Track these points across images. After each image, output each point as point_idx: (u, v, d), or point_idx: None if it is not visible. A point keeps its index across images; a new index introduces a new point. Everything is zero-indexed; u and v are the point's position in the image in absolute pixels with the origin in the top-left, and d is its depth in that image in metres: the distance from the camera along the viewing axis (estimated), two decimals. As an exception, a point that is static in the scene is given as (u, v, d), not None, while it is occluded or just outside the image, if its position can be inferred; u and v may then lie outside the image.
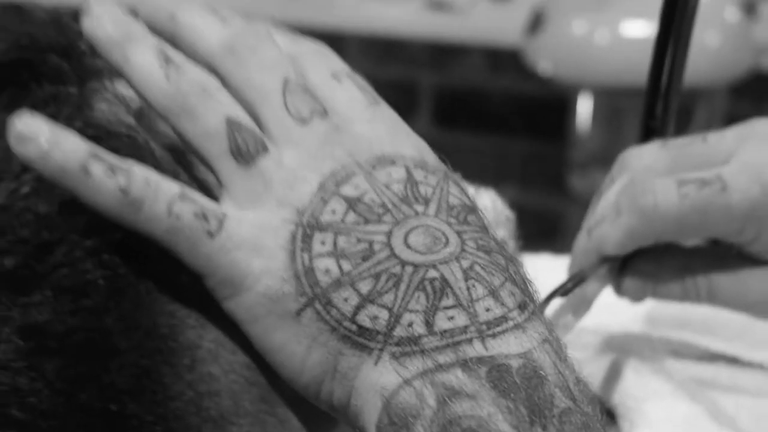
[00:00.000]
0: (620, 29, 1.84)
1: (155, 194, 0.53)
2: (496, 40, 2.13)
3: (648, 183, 0.71)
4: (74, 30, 0.59)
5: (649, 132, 0.75)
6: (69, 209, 0.54)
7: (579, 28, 1.89)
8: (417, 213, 0.54)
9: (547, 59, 1.92)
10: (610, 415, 0.74)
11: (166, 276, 0.56)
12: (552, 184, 2.26)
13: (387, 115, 0.57)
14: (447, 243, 0.53)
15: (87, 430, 0.53)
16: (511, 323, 0.51)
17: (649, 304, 0.80)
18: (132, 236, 0.55)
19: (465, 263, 0.52)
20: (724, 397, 0.75)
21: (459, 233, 0.54)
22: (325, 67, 0.58)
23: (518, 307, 0.52)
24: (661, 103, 0.75)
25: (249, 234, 0.54)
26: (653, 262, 0.75)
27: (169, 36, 0.59)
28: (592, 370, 0.75)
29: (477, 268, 0.52)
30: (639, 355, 0.77)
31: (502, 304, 0.51)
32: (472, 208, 0.56)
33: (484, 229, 0.55)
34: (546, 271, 0.67)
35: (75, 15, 0.61)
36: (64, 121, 0.56)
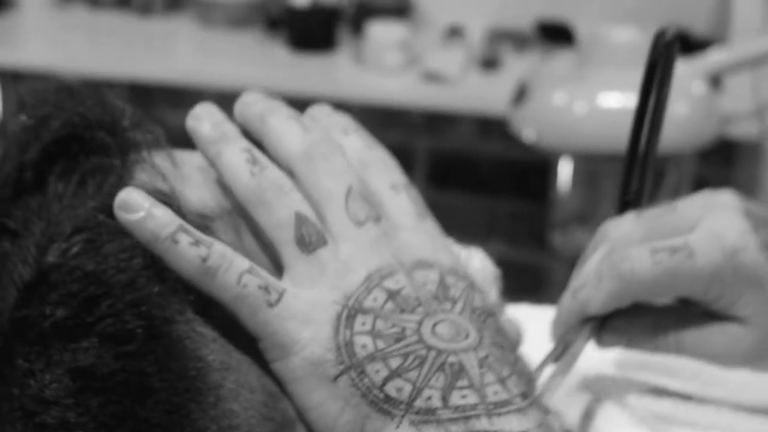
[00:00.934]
0: (597, 101, 1.86)
1: (229, 266, 0.57)
2: (484, 109, 2.16)
3: (626, 251, 0.73)
4: (117, 108, 0.64)
5: (626, 204, 0.77)
6: (113, 267, 0.58)
7: (559, 100, 1.91)
8: (445, 309, 0.58)
9: (530, 127, 1.93)
10: None
11: (197, 325, 0.60)
12: (536, 241, 2.30)
13: (430, 227, 0.62)
14: (467, 336, 0.57)
15: None
16: (514, 407, 0.55)
17: (617, 350, 0.82)
18: (167, 291, 0.59)
19: (481, 354, 0.56)
20: (680, 430, 0.78)
21: (478, 330, 0.58)
22: (386, 178, 0.63)
23: (521, 395, 0.56)
24: (636, 179, 0.77)
25: (302, 308, 0.57)
26: (629, 320, 0.77)
27: (257, 137, 0.63)
28: (569, 408, 0.78)
29: (490, 359, 0.57)
30: (607, 394, 0.79)
31: (508, 390, 0.56)
32: (491, 313, 0.60)
33: (499, 330, 0.60)
34: (525, 318, 0.73)
35: (125, 90, 0.69)
36: (109, 188, 0.59)
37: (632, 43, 2.10)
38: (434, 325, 0.57)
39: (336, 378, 0.56)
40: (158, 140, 0.65)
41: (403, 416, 0.55)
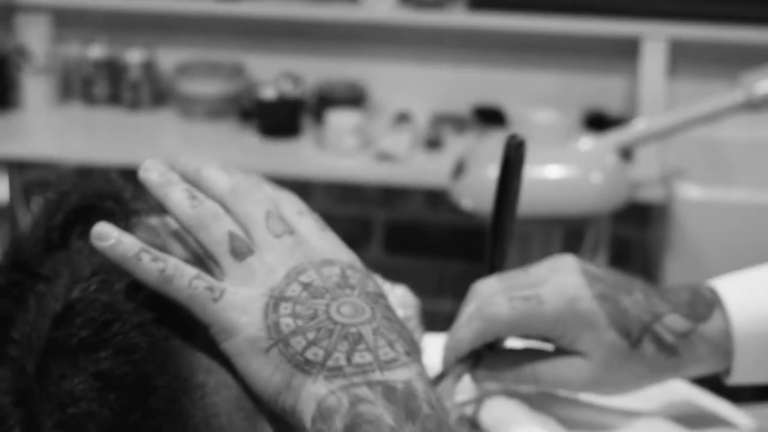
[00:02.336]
0: (525, 172, 1.89)
1: (181, 274, 0.64)
2: (431, 183, 2.21)
3: (489, 299, 0.82)
4: (121, 184, 0.71)
5: (492, 269, 0.85)
6: (121, 299, 0.65)
7: (492, 172, 1.62)
8: (346, 294, 0.65)
9: (468, 197, 1.99)
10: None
11: (187, 340, 0.65)
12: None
13: (331, 236, 0.69)
14: (364, 313, 0.64)
15: None
16: (400, 362, 0.63)
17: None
18: (164, 316, 0.65)
19: (374, 325, 0.63)
20: (561, 410, 0.86)
21: (372, 307, 0.64)
22: (293, 206, 0.70)
23: (405, 354, 0.63)
24: (498, 254, 0.86)
25: (239, 301, 0.64)
26: (494, 358, 0.85)
27: (194, 182, 0.69)
28: (493, 407, 0.85)
29: (381, 329, 0.63)
30: (514, 396, 0.87)
31: (395, 351, 0.63)
32: (381, 294, 0.67)
33: (388, 308, 0.66)
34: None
35: (120, 173, 0.72)
36: None
37: (554, 123, 2.23)
38: (338, 306, 0.64)
39: (268, 350, 0.63)
40: (152, 208, 0.71)
41: (318, 373, 0.62)
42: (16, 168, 2.41)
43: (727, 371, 0.83)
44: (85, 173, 0.72)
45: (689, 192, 2.01)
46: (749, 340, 0.81)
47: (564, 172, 1.99)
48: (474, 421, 0.85)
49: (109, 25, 2.57)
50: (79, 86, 2.57)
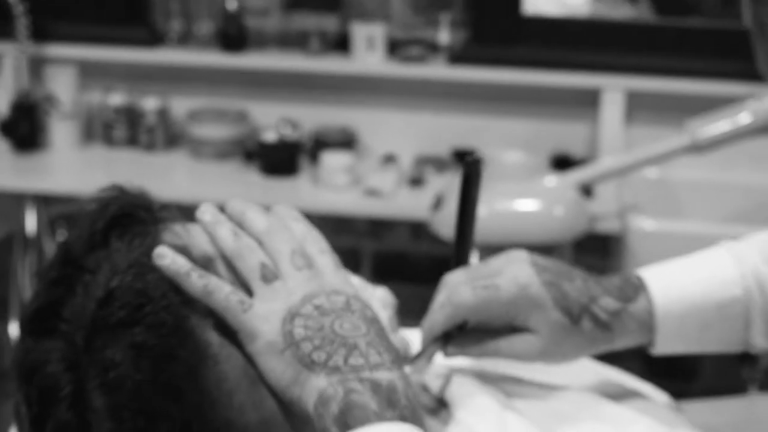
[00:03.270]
0: (494, 205, 1.98)
1: (220, 289, 0.69)
2: (414, 216, 2.19)
3: (456, 288, 0.85)
4: (149, 198, 0.75)
5: (458, 265, 0.88)
6: (153, 287, 0.69)
7: None
8: (348, 315, 0.69)
9: (446, 228, 2.00)
10: (446, 404, 0.84)
11: (203, 320, 0.70)
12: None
13: (342, 273, 0.72)
14: (360, 329, 0.68)
15: (168, 396, 0.67)
16: (385, 366, 0.67)
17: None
18: (185, 300, 0.68)
19: (368, 339, 0.68)
20: (515, 399, 0.87)
21: (367, 327, 0.69)
22: (317, 245, 0.74)
23: (390, 361, 0.67)
24: (463, 252, 0.89)
25: (263, 313, 0.68)
26: (463, 337, 0.88)
27: (238, 222, 0.74)
28: (455, 384, 0.85)
29: (373, 342, 0.68)
30: (471, 374, 0.88)
31: (382, 358, 0.67)
32: (376, 319, 0.70)
33: (381, 329, 0.69)
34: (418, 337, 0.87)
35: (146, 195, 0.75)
36: (147, 243, 0.70)
37: (522, 163, 2.28)
38: (341, 323, 0.69)
39: (282, 351, 0.68)
40: (175, 217, 0.75)
41: (321, 371, 0.67)
42: (43, 202, 2.43)
43: (651, 344, 0.87)
44: (123, 189, 0.75)
45: (643, 224, 2.02)
46: (668, 317, 0.85)
47: (530, 205, 2.03)
48: (441, 398, 0.86)
49: (128, 75, 2.56)
50: (101, 130, 2.55)
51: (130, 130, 2.53)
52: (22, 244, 2.45)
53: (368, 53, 2.41)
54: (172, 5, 2.53)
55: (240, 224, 0.74)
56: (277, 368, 0.69)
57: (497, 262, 0.87)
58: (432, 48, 2.46)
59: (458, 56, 2.41)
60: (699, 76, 2.28)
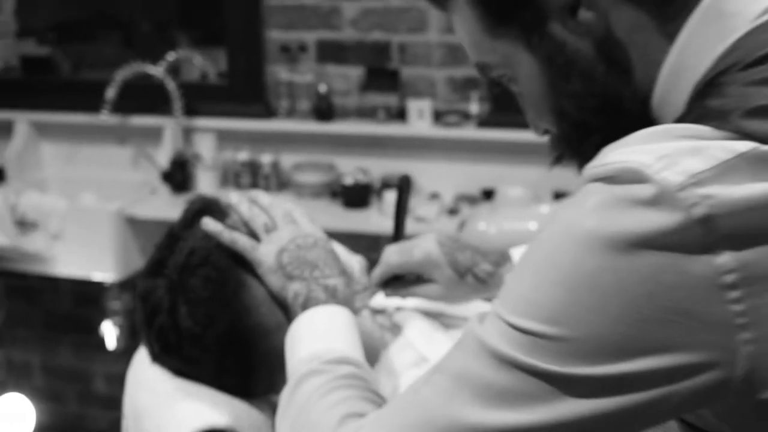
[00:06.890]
0: (502, 226, 2.25)
1: (240, 239, 0.98)
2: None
3: (388, 255, 1.12)
4: (214, 200, 1.04)
5: (394, 241, 1.12)
6: (210, 255, 0.95)
7: (482, 226, 2.28)
8: (315, 249, 0.93)
9: (468, 237, 2.22)
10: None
11: (241, 270, 0.96)
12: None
13: (315, 225, 0.94)
14: (321, 256, 0.93)
15: (223, 306, 0.94)
16: (334, 277, 0.91)
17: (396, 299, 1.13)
18: (231, 262, 0.95)
19: (325, 261, 0.93)
20: (442, 324, 1.11)
21: (326, 254, 0.93)
22: (298, 210, 1.00)
23: (337, 274, 0.91)
24: (397, 236, 1.15)
25: (265, 251, 0.95)
26: (395, 283, 1.13)
27: (253, 201, 1.01)
28: (402, 314, 1.08)
29: (329, 263, 0.91)
30: (417, 310, 1.13)
31: (332, 271, 0.91)
32: (332, 251, 0.95)
33: (335, 256, 0.93)
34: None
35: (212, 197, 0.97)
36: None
37: (521, 197, 2.59)
38: (309, 253, 0.91)
39: (276, 271, 0.95)
40: (235, 212, 0.99)
41: (295, 280, 0.92)
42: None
43: None
44: (204, 199, 1.00)
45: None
46: None
47: (530, 225, 2.26)
48: (394, 324, 1.08)
49: (250, 139, 2.86)
50: (232, 178, 2.85)
51: (252, 177, 2.85)
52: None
53: (419, 121, 2.67)
54: (281, 89, 2.82)
55: (254, 202, 1.02)
56: (274, 281, 0.95)
57: (415, 240, 1.12)
58: (465, 116, 2.71)
59: (484, 122, 2.66)
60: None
